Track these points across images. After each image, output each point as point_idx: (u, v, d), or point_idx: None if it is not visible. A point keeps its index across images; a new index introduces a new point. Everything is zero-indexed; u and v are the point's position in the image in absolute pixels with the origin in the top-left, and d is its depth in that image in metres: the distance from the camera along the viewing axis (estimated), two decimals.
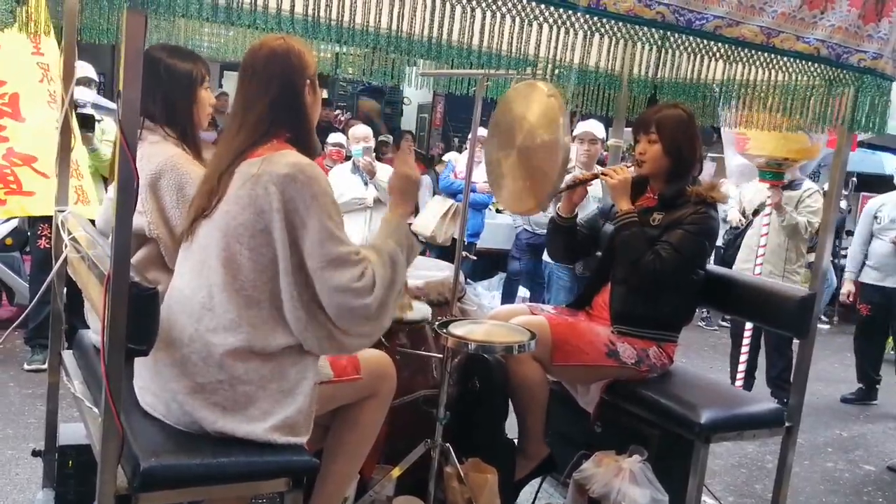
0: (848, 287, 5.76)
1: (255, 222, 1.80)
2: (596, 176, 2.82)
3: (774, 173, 4.46)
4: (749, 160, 4.54)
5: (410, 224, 2.20)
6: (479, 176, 6.30)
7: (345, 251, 1.81)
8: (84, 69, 4.58)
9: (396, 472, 2.46)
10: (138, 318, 1.65)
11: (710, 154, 7.54)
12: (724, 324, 7.23)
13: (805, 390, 2.69)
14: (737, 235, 5.35)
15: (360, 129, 5.62)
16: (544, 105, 2.34)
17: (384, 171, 5.41)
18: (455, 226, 2.68)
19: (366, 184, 5.32)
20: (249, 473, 1.82)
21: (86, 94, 4.41)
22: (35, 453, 2.69)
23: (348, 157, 5.88)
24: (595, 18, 1.94)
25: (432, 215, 6.39)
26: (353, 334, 1.88)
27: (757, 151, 4.33)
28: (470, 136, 2.80)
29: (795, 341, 4.83)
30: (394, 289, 1.89)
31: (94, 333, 2.40)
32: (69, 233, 2.25)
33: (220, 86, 10.60)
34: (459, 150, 8.97)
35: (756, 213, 5.06)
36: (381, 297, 1.84)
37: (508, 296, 6.43)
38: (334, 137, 6.24)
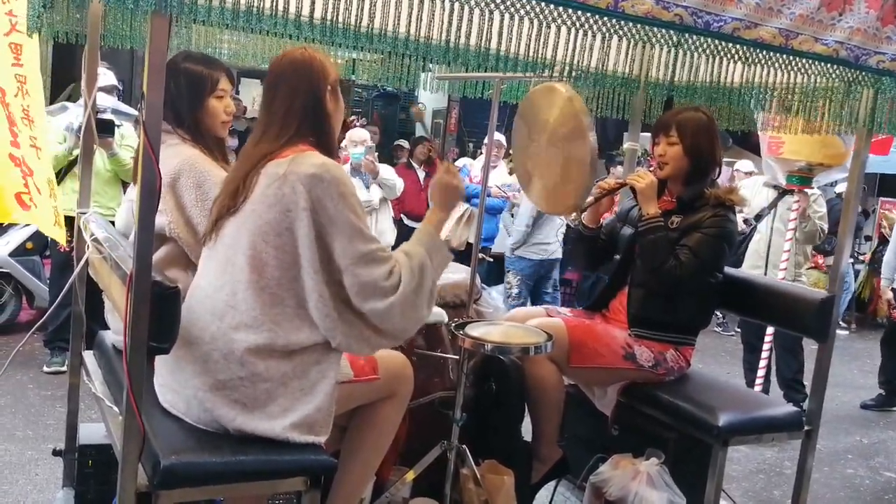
0: (888, 296, 5.56)
1: (280, 221, 1.83)
2: (622, 185, 2.80)
3: (802, 177, 4.39)
4: (781, 165, 4.43)
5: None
6: (494, 180, 6.31)
7: (374, 248, 1.86)
8: (107, 77, 4.64)
9: (411, 474, 2.46)
10: (160, 316, 1.66)
11: (724, 159, 7.52)
12: (740, 329, 7.19)
13: (824, 394, 2.67)
14: (741, 242, 5.30)
15: (358, 133, 5.60)
16: (564, 108, 2.35)
17: (386, 170, 5.42)
18: (470, 230, 2.70)
19: (367, 186, 5.32)
20: (268, 472, 1.83)
21: (105, 100, 4.46)
22: (56, 452, 2.72)
23: None
24: (613, 21, 1.94)
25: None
26: (382, 334, 1.91)
27: (792, 156, 4.25)
28: (486, 140, 2.80)
29: (805, 341, 4.85)
30: (420, 293, 1.92)
31: (113, 334, 2.42)
32: (91, 234, 2.28)
33: (237, 92, 10.68)
34: (474, 156, 8.98)
35: (758, 217, 5.02)
36: (403, 300, 1.87)
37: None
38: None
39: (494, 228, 6.56)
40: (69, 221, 4.22)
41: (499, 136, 6.40)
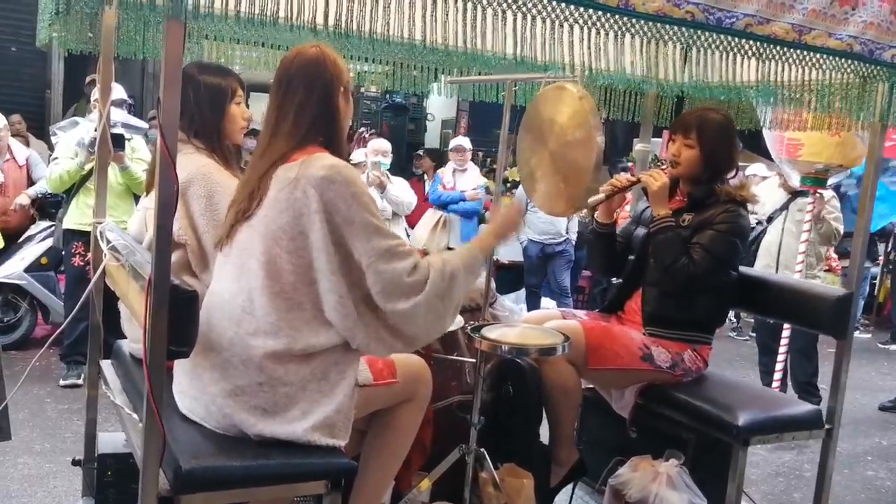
0: None
1: (293, 226, 1.83)
2: (633, 182, 2.79)
3: (817, 179, 4.30)
4: (799, 167, 4.31)
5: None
6: (467, 184, 6.30)
7: (393, 243, 1.85)
8: (117, 90, 4.67)
9: (425, 483, 2.44)
10: (179, 320, 1.66)
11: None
12: (754, 334, 7.15)
13: (844, 392, 2.64)
14: (752, 241, 5.26)
15: (381, 143, 5.62)
16: (575, 107, 2.35)
17: (396, 186, 5.42)
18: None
19: (381, 198, 5.34)
20: (289, 475, 1.83)
21: (115, 114, 4.48)
22: (75, 462, 2.72)
23: None
24: (625, 19, 1.94)
25: (424, 228, 6.38)
26: (399, 337, 1.89)
27: (812, 158, 4.15)
28: (500, 141, 2.80)
29: (820, 345, 4.80)
30: (447, 301, 1.90)
31: (132, 343, 2.42)
32: (108, 242, 2.29)
33: (248, 107, 10.73)
34: (483, 165, 8.99)
35: (770, 219, 4.98)
36: (428, 302, 1.85)
37: (533, 308, 6.42)
38: (356, 156, 6.28)
39: (473, 231, 6.56)
40: (84, 235, 4.26)
41: (462, 141, 6.39)
